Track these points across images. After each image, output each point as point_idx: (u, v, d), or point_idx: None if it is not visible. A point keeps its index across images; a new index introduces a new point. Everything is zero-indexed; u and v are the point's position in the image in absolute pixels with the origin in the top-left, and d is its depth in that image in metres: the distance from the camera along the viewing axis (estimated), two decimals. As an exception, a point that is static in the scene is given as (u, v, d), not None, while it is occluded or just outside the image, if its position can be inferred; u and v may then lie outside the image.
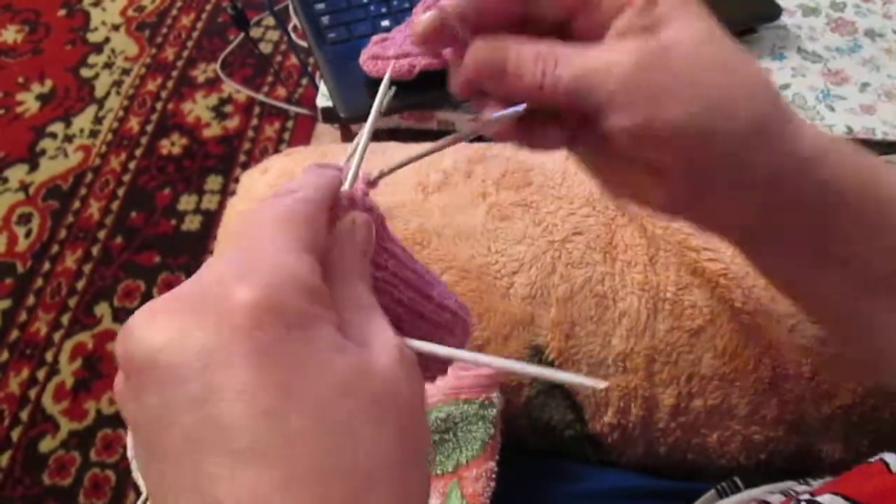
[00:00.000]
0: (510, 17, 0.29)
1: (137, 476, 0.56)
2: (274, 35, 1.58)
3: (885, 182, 0.31)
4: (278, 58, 1.56)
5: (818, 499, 0.29)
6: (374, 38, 0.66)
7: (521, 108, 0.28)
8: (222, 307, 0.20)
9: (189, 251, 1.30)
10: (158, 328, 0.21)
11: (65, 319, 1.22)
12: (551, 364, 0.48)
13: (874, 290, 0.31)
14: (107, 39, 1.62)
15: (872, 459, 0.32)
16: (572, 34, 0.29)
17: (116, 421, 1.11)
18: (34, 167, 1.42)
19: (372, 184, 0.28)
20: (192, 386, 0.20)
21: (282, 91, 1.50)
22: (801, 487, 0.39)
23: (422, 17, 0.29)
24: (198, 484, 0.19)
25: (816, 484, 0.38)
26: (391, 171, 0.29)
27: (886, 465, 0.32)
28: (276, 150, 1.42)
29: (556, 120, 0.30)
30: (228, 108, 1.49)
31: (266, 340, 0.20)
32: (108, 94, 1.52)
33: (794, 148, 0.29)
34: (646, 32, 0.27)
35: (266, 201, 0.25)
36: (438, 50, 0.30)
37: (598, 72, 0.27)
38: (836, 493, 0.29)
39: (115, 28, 1.64)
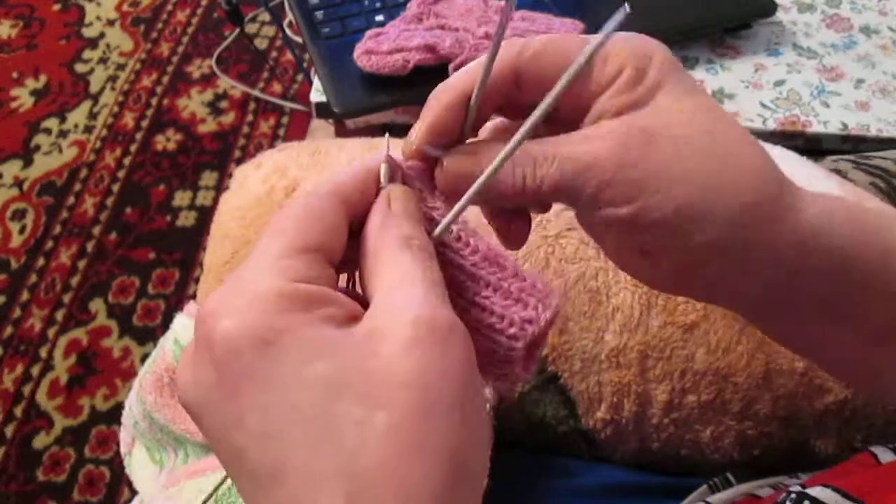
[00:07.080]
0: (494, 105, 0.29)
1: (131, 473, 0.56)
2: (269, 31, 1.57)
3: (886, 233, 0.29)
4: (273, 53, 1.55)
5: (808, 491, 0.29)
6: (369, 32, 0.66)
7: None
8: (210, 343, 0.22)
9: (183, 247, 1.30)
10: (185, 367, 0.24)
11: (59, 315, 1.22)
12: (545, 360, 0.48)
13: (887, 340, 0.30)
14: (101, 34, 1.62)
15: (861, 452, 0.32)
16: (553, 113, 0.28)
17: (111, 417, 1.11)
18: (28, 163, 1.41)
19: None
20: (211, 419, 0.23)
21: (277, 87, 1.50)
22: (792, 481, 0.40)
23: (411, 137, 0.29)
24: (242, 490, 0.23)
25: (806, 477, 0.38)
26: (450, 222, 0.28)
27: (875, 456, 0.32)
28: (272, 146, 1.41)
29: (526, 215, 0.30)
30: (223, 104, 1.49)
31: (244, 366, 0.22)
32: (102, 89, 1.52)
33: (796, 224, 0.27)
34: (630, 110, 0.26)
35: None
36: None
37: (579, 172, 0.26)
38: (825, 485, 0.29)
39: (110, 23, 1.64)
